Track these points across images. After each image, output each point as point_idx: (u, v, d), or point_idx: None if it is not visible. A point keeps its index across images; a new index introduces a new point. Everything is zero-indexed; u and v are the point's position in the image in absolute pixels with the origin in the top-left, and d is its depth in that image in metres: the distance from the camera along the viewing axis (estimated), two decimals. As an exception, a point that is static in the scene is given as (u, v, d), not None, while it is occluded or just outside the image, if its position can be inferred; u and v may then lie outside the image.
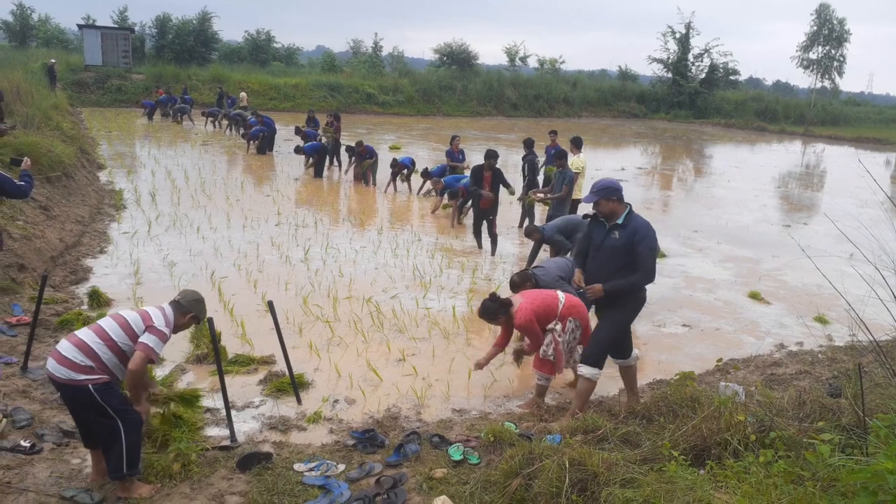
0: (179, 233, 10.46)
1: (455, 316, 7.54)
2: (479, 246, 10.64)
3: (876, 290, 3.68)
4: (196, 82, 36.00)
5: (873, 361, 5.52)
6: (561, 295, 5.56)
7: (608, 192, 4.93)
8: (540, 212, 12.59)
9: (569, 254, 7.83)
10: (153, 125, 25.94)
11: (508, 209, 12.63)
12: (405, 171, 15.23)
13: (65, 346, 3.76)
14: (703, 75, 50.73)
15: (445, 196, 12.87)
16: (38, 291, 5.66)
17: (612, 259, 4.93)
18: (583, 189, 10.11)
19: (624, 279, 4.88)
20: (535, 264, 7.75)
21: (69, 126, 16.28)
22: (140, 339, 3.79)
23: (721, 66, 50.77)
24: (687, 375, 4.90)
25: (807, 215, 16.33)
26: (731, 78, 52.13)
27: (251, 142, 19.88)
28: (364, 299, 7.84)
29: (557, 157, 10.55)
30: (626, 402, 5.41)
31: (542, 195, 11.08)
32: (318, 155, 16.79)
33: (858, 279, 4.07)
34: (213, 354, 5.10)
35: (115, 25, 43.37)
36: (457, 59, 47.36)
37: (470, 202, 11.56)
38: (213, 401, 5.22)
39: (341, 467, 4.40)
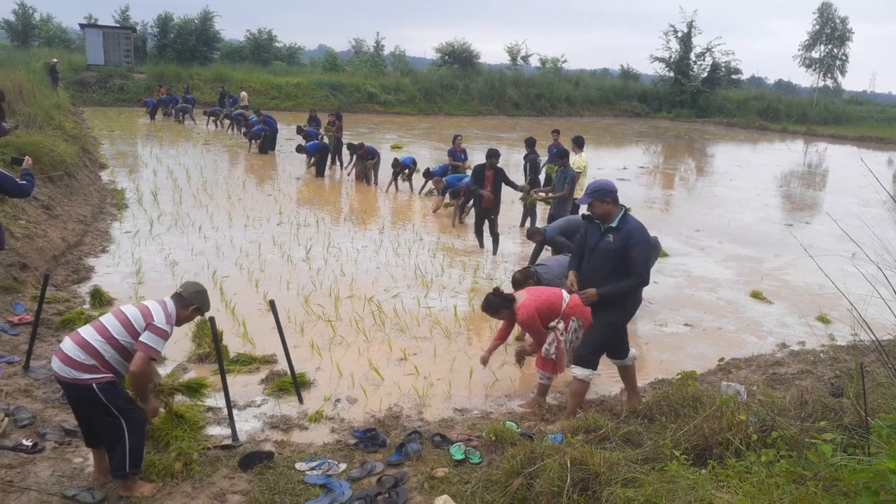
0: (181, 232, 10.47)
1: (457, 315, 7.54)
2: (481, 245, 10.64)
3: (878, 289, 3.67)
4: (198, 81, 36.02)
5: (875, 361, 5.50)
6: (565, 293, 5.55)
7: (602, 194, 4.90)
8: (541, 211, 12.58)
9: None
10: (155, 124, 25.96)
11: (510, 208, 12.63)
12: (407, 171, 15.22)
13: (68, 345, 3.76)
14: (706, 74, 50.68)
15: (447, 195, 12.86)
16: (40, 290, 5.67)
17: (606, 262, 4.91)
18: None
19: (617, 284, 4.84)
20: (537, 262, 7.76)
21: (71, 125, 16.29)
22: (140, 339, 3.76)
23: (723, 65, 50.70)
24: (689, 375, 4.89)
25: (809, 214, 16.30)
26: (734, 77, 52.05)
27: (253, 141, 19.89)
28: (366, 298, 7.84)
29: (559, 156, 10.55)
30: (628, 402, 5.41)
31: (543, 194, 11.08)
32: (319, 154, 16.79)
33: (861, 278, 4.06)
34: (214, 353, 5.10)
35: (117, 25, 43.49)
36: (458, 59, 47.37)
37: (471, 201, 11.55)
38: (214, 400, 5.22)
39: (343, 466, 4.40)
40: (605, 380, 6.09)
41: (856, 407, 3.93)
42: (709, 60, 50.89)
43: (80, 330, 3.88)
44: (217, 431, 4.86)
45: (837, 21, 55.10)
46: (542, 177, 12.87)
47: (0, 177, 6.13)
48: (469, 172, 11.92)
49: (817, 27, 55.46)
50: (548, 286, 6.07)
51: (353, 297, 7.98)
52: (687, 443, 3.92)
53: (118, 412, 3.77)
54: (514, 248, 10.97)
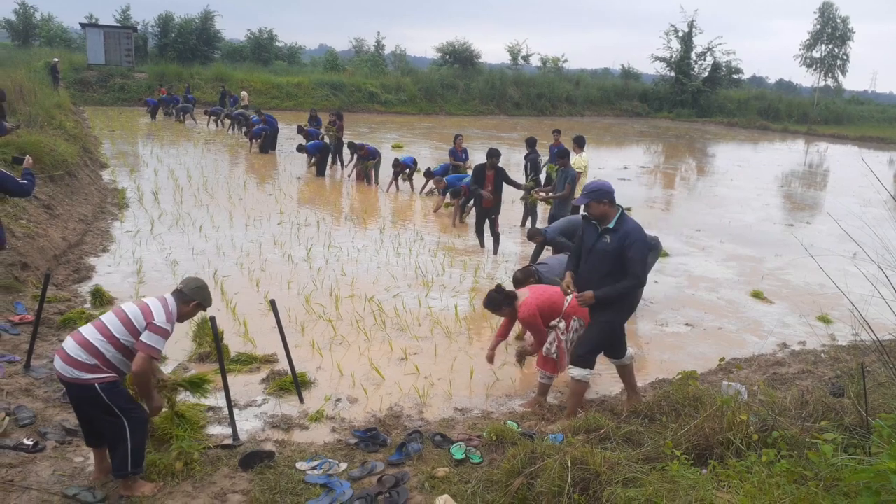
0: (182, 231, 10.48)
1: (457, 315, 7.54)
2: (482, 245, 10.64)
3: (879, 289, 3.67)
4: (199, 81, 36.02)
5: (876, 361, 5.50)
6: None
7: (599, 195, 4.89)
8: (542, 211, 12.58)
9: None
10: (156, 124, 25.98)
11: (511, 208, 12.63)
12: (407, 171, 15.22)
13: (70, 345, 3.76)
14: (706, 74, 50.65)
15: (448, 195, 12.86)
16: (41, 290, 5.68)
17: (603, 263, 4.90)
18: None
19: (614, 286, 4.83)
20: (538, 261, 7.77)
21: (72, 125, 16.31)
22: (141, 339, 3.76)
23: (724, 64, 50.64)
24: (689, 375, 4.89)
25: (810, 214, 16.29)
26: (734, 76, 51.98)
27: (254, 140, 19.89)
28: (366, 298, 7.84)
29: (560, 155, 10.55)
30: (628, 401, 5.41)
31: (544, 194, 11.08)
32: (320, 154, 16.79)
33: (862, 278, 4.06)
34: (215, 353, 5.10)
35: (118, 24, 43.49)
36: (459, 58, 47.36)
37: (472, 201, 11.55)
38: (215, 399, 5.23)
39: (343, 466, 4.41)
40: (606, 379, 6.09)
41: (857, 407, 3.93)
42: (710, 60, 50.90)
43: (81, 329, 3.87)
44: (218, 431, 4.86)
45: (838, 21, 55.09)
46: (542, 176, 12.87)
47: (1, 176, 6.14)
48: (470, 172, 11.92)
49: (818, 27, 55.44)
50: (549, 285, 6.07)
51: (353, 296, 7.98)
52: (688, 443, 3.92)
53: (121, 412, 3.77)
54: (514, 247, 10.97)
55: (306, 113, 23.42)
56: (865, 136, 42.57)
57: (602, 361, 5.41)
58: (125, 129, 23.54)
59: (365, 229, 11.48)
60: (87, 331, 3.81)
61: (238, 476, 4.21)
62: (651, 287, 8.66)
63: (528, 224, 11.83)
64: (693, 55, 50.85)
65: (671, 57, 50.71)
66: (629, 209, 13.96)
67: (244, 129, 22.38)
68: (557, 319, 5.45)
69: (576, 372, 5.08)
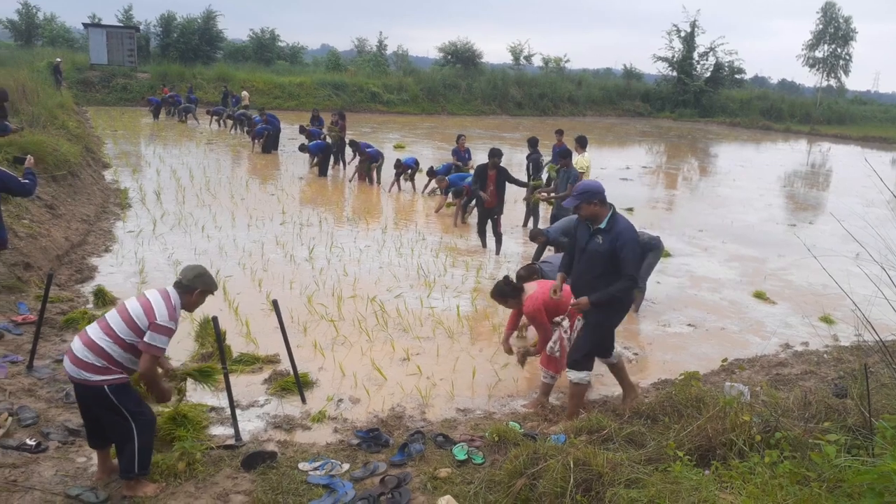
0: (184, 232, 10.49)
1: (459, 315, 7.54)
2: (484, 245, 10.64)
3: (882, 289, 3.66)
4: (201, 81, 36.07)
5: (879, 362, 5.49)
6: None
7: (589, 196, 4.87)
8: (544, 211, 12.58)
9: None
10: (158, 124, 26.01)
11: (513, 208, 12.63)
12: (409, 171, 15.23)
13: (77, 346, 3.77)
14: (709, 74, 50.62)
15: (450, 195, 12.86)
16: (43, 290, 5.68)
17: (595, 264, 4.90)
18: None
19: (608, 289, 4.81)
20: (542, 259, 7.78)
21: (75, 125, 16.33)
22: (145, 339, 3.75)
23: (726, 64, 50.60)
24: (692, 375, 4.88)
25: (812, 214, 16.27)
26: (737, 76, 51.93)
27: (256, 140, 19.91)
28: (368, 298, 7.84)
29: (561, 156, 10.54)
30: (625, 398, 5.46)
31: (545, 194, 11.08)
32: (322, 154, 16.80)
33: (865, 279, 4.05)
34: (218, 353, 5.11)
35: (121, 24, 43.53)
36: (461, 58, 47.36)
37: (474, 201, 11.56)
38: (217, 400, 5.24)
39: (346, 466, 4.41)
40: (609, 380, 6.08)
41: (860, 408, 3.92)
42: (712, 60, 50.87)
43: (87, 329, 3.87)
44: (220, 431, 4.86)
45: (841, 20, 55.08)
46: (543, 176, 12.86)
47: (3, 176, 6.14)
48: (472, 172, 11.91)
49: (821, 27, 55.41)
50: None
51: (355, 296, 7.98)
52: (690, 443, 3.92)
53: (129, 414, 3.78)
54: (516, 247, 10.97)
55: (308, 113, 23.46)
56: (868, 136, 42.50)
57: (601, 362, 5.41)
58: (128, 129, 23.57)
59: (367, 229, 11.48)
60: (93, 331, 3.81)
61: (240, 476, 4.21)
62: (653, 287, 8.66)
63: (530, 224, 11.83)
64: (695, 55, 50.82)
65: (673, 57, 50.68)
66: (631, 209, 14.06)
67: (246, 129, 22.41)
68: (561, 317, 5.45)
69: (573, 375, 5.08)
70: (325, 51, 61.45)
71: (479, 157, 15.11)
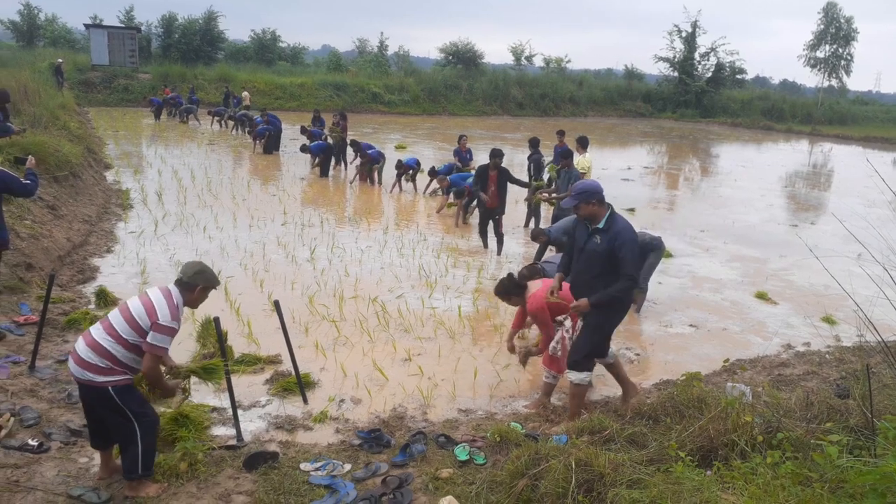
0: (186, 232, 10.49)
1: (461, 315, 7.54)
2: (485, 246, 10.64)
3: (884, 290, 3.66)
4: (202, 82, 36.13)
5: (881, 362, 5.49)
6: None
7: (587, 196, 4.86)
8: (545, 211, 12.58)
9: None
10: (160, 125, 26.03)
11: (514, 209, 12.62)
12: (410, 172, 15.24)
13: (81, 347, 3.77)
14: (710, 74, 50.62)
15: (451, 195, 12.87)
16: (45, 290, 5.69)
17: (594, 264, 4.89)
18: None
19: (607, 290, 4.80)
20: (544, 259, 7.78)
21: (76, 126, 16.34)
22: (147, 339, 3.74)
23: (727, 64, 50.62)
24: (693, 376, 4.88)
25: (814, 215, 16.26)
26: (738, 77, 51.96)
27: (257, 140, 19.92)
28: (370, 299, 7.84)
29: (563, 156, 10.54)
30: (624, 396, 5.49)
31: (547, 195, 11.07)
32: (323, 154, 16.81)
33: (866, 279, 4.06)
34: (219, 354, 5.11)
35: (122, 25, 43.57)
36: (462, 59, 47.38)
37: (475, 201, 11.56)
38: (219, 400, 5.24)
39: (347, 467, 4.41)
40: (611, 381, 6.06)
41: (862, 408, 3.92)
42: (713, 60, 50.90)
43: (91, 329, 3.87)
44: (222, 432, 4.87)
45: (842, 20, 55.04)
46: (545, 176, 12.86)
47: (5, 177, 6.15)
48: (474, 171, 11.92)
49: (822, 27, 55.36)
50: None
51: (357, 297, 7.98)
52: (692, 444, 3.92)
53: (132, 415, 3.79)
54: (518, 248, 10.97)
55: (310, 113, 23.48)
56: (870, 136, 42.47)
57: (598, 362, 5.40)
58: (129, 129, 23.60)
59: (368, 230, 11.48)
60: (96, 331, 3.81)
61: (242, 477, 4.22)
62: (655, 288, 8.66)
63: (532, 225, 11.83)
64: (696, 55, 50.85)
65: (675, 57, 50.69)
66: (633, 210, 14.06)
67: (248, 130, 22.43)
68: (564, 317, 5.45)
69: (573, 376, 5.07)
70: (327, 51, 61.51)
71: (481, 158, 15.11)
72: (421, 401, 5.58)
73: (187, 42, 44.53)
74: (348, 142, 17.29)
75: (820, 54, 56.28)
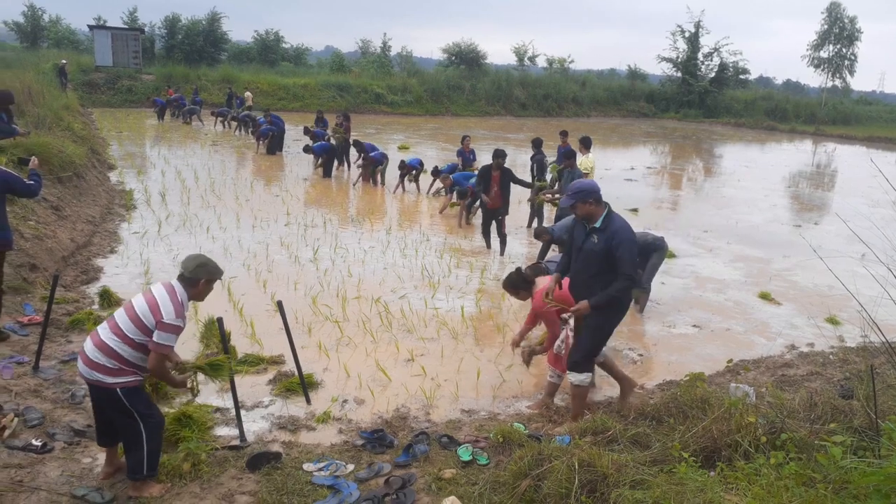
0: (189, 233, 10.51)
1: (464, 316, 7.54)
2: (488, 246, 10.63)
3: (888, 290, 3.65)
4: (206, 82, 36.19)
5: (886, 363, 5.47)
6: None
7: (584, 195, 4.86)
8: (549, 212, 12.56)
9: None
10: (163, 125, 26.07)
11: (517, 209, 12.61)
12: (413, 172, 15.24)
13: (89, 347, 3.78)
14: (713, 74, 50.53)
15: (454, 195, 12.87)
16: (49, 291, 5.70)
17: (591, 263, 4.89)
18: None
19: (607, 290, 4.79)
20: (547, 258, 7.78)
21: (80, 126, 16.39)
22: (153, 338, 3.74)
23: (731, 65, 50.55)
24: (697, 376, 4.88)
25: (818, 215, 16.23)
26: (741, 77, 51.87)
27: (261, 141, 19.94)
28: (373, 299, 7.85)
29: (566, 156, 10.54)
30: (622, 392, 5.51)
31: (550, 196, 11.07)
32: (327, 155, 16.82)
33: (870, 280, 4.04)
34: (222, 354, 5.11)
35: (126, 26, 43.63)
36: (465, 59, 47.36)
37: (478, 202, 11.56)
38: (222, 400, 5.25)
39: (350, 467, 4.41)
40: (614, 381, 6.06)
41: (866, 409, 3.91)
42: (716, 60, 50.82)
43: (98, 329, 3.88)
44: (225, 432, 4.87)
45: (846, 20, 54.85)
46: (547, 177, 12.86)
47: (9, 177, 6.16)
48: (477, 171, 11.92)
49: (826, 27, 55.21)
50: None
51: (360, 297, 7.99)
52: (695, 445, 3.91)
53: (139, 416, 3.80)
54: (521, 248, 10.96)
55: (313, 114, 23.49)
56: (873, 136, 42.36)
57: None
58: (133, 130, 23.64)
59: (371, 230, 11.49)
60: (104, 332, 3.82)
61: (245, 477, 4.22)
62: (658, 288, 8.65)
63: (535, 225, 11.82)
64: (700, 55, 50.77)
65: (678, 57, 50.64)
66: (636, 210, 14.05)
67: (251, 130, 22.46)
68: (568, 315, 5.44)
69: (574, 378, 5.07)
70: (330, 52, 61.51)
71: (484, 158, 15.11)
72: (424, 401, 5.58)
73: (191, 43, 44.60)
74: (351, 142, 17.30)
75: (823, 54, 56.12)
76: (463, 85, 43.45)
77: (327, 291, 8.17)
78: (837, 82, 57.37)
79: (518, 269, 5.98)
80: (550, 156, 13.85)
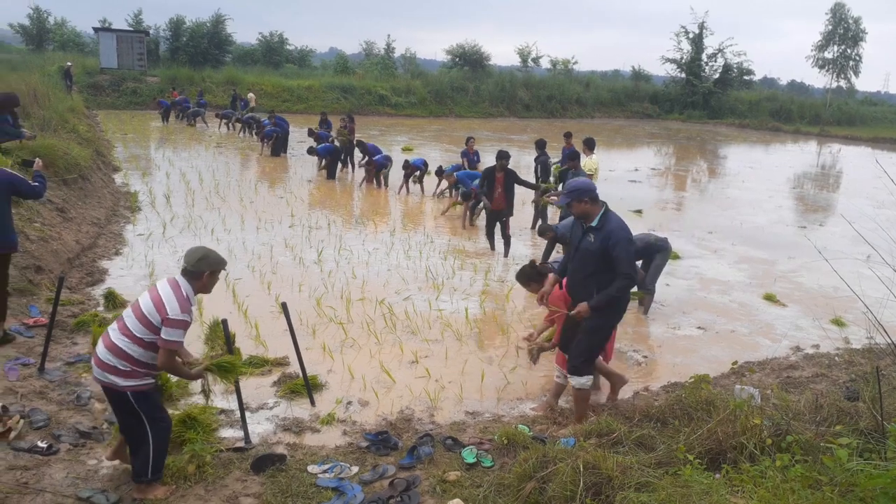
0: (194, 234, 10.53)
1: (468, 318, 7.54)
2: (492, 248, 10.63)
3: (894, 292, 3.64)
4: (210, 84, 36.25)
5: (891, 364, 5.46)
6: None
7: (579, 194, 4.86)
8: (552, 213, 12.56)
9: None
10: (168, 127, 26.13)
11: (521, 210, 12.61)
12: (417, 173, 15.25)
13: (101, 349, 3.80)
14: (717, 75, 50.40)
15: (457, 194, 12.87)
16: (54, 293, 5.72)
17: (587, 263, 4.88)
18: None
19: (606, 290, 4.77)
20: (551, 258, 7.77)
21: (85, 128, 16.42)
22: (161, 335, 3.74)
23: (735, 65, 50.40)
24: (702, 378, 4.86)
25: (823, 216, 16.18)
26: (746, 78, 51.70)
27: (265, 142, 19.97)
28: (377, 301, 7.85)
29: (570, 157, 10.52)
30: (612, 387, 5.62)
31: (555, 197, 11.05)
32: (331, 157, 16.84)
33: (876, 281, 4.03)
34: (228, 355, 5.12)
35: (131, 28, 43.73)
36: (469, 60, 47.34)
37: (482, 203, 11.56)
38: (227, 402, 5.26)
39: (355, 469, 4.41)
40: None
41: (872, 411, 3.90)
42: (720, 61, 50.65)
43: (108, 330, 3.90)
44: (229, 434, 4.88)
45: (850, 21, 54.64)
46: (551, 178, 12.84)
47: (14, 179, 6.18)
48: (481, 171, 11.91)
49: (830, 27, 55.03)
50: None
51: (364, 299, 7.99)
52: (700, 447, 3.90)
53: (147, 419, 3.82)
54: (525, 250, 10.95)
55: (317, 116, 23.51)
56: (879, 137, 42.21)
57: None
58: (137, 132, 23.70)
59: (375, 232, 11.49)
60: (113, 332, 3.83)
61: (250, 479, 4.23)
62: (663, 290, 8.63)
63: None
64: (704, 56, 50.62)
65: (682, 58, 50.49)
66: (640, 211, 14.03)
67: (255, 132, 22.49)
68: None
69: (575, 381, 5.06)
70: (334, 54, 61.64)
71: (488, 160, 15.11)
72: (428, 403, 5.58)
73: (195, 45, 44.68)
74: (355, 143, 17.31)
75: (828, 55, 55.91)
76: (467, 86, 43.44)
77: (331, 293, 8.18)
78: (842, 83, 57.15)
79: (532, 262, 6.01)
80: (554, 157, 13.83)
